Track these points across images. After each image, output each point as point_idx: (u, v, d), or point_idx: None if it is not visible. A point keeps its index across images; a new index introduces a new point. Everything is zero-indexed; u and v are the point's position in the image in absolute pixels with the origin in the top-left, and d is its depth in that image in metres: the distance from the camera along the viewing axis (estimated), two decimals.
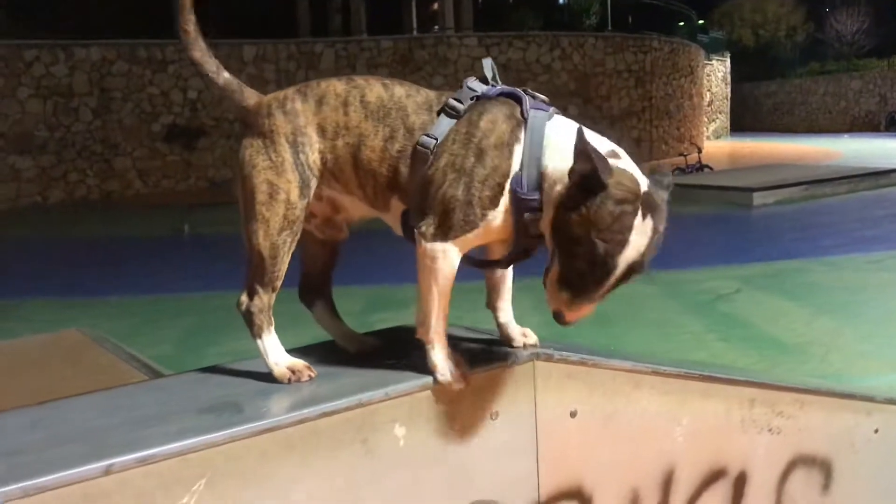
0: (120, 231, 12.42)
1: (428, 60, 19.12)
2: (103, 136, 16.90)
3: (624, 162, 1.28)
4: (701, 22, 36.82)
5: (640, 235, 1.21)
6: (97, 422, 1.26)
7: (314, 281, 1.56)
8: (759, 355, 5.06)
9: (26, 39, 16.44)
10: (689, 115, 24.95)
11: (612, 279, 1.22)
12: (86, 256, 10.00)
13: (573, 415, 1.48)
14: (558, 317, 1.27)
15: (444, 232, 1.32)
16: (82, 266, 9.21)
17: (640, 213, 1.21)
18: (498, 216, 1.32)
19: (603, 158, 1.22)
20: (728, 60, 36.24)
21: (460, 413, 1.36)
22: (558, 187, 1.26)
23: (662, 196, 1.27)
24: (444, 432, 1.35)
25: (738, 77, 38.65)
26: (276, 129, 1.40)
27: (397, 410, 1.30)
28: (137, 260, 9.59)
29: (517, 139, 1.31)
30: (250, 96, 1.46)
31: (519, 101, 1.35)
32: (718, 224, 11.20)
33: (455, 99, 1.37)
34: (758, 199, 11.87)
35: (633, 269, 1.23)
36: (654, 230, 1.23)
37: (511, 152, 1.30)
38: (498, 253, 1.43)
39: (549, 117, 1.34)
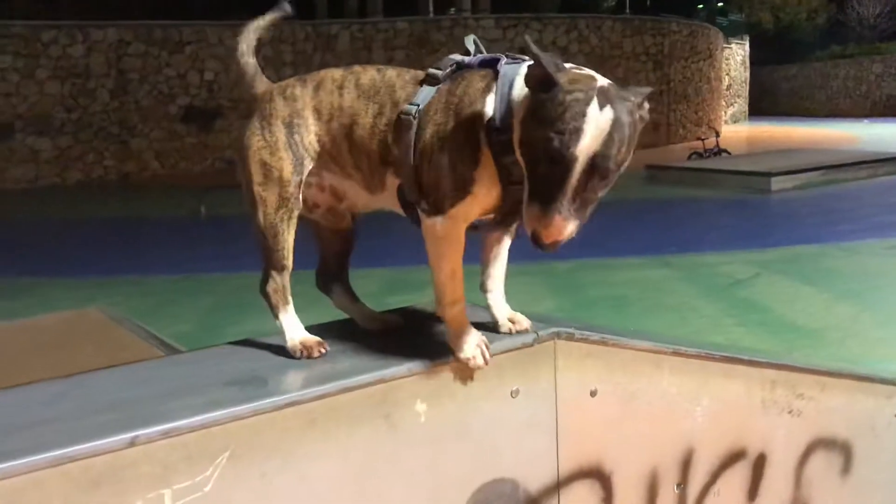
0: (137, 212, 12.49)
1: (444, 42, 19.04)
2: (120, 117, 16.98)
3: (587, 71, 1.25)
4: (720, 4, 36.46)
5: (597, 124, 1.15)
6: (122, 395, 1.27)
7: (330, 267, 1.60)
8: (776, 340, 5.04)
9: (44, 20, 16.49)
10: (707, 98, 24.73)
11: (574, 176, 1.15)
12: (104, 237, 10.08)
13: (593, 394, 1.48)
14: (536, 240, 1.20)
15: (440, 203, 1.32)
16: (101, 246, 9.28)
17: (594, 102, 1.16)
18: (483, 175, 1.30)
19: (554, 60, 1.20)
20: (747, 44, 35.85)
21: (481, 390, 1.37)
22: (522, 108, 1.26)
23: (627, 95, 1.20)
24: (466, 409, 1.35)
25: (758, 60, 38.24)
26: (275, 112, 1.47)
27: (419, 387, 1.31)
28: (155, 240, 9.66)
29: (490, 90, 1.31)
30: (261, 84, 1.53)
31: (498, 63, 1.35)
32: (736, 209, 11.13)
33: (436, 68, 1.39)
34: (776, 183, 11.78)
35: (598, 165, 1.15)
36: (615, 121, 1.16)
37: (484, 104, 1.30)
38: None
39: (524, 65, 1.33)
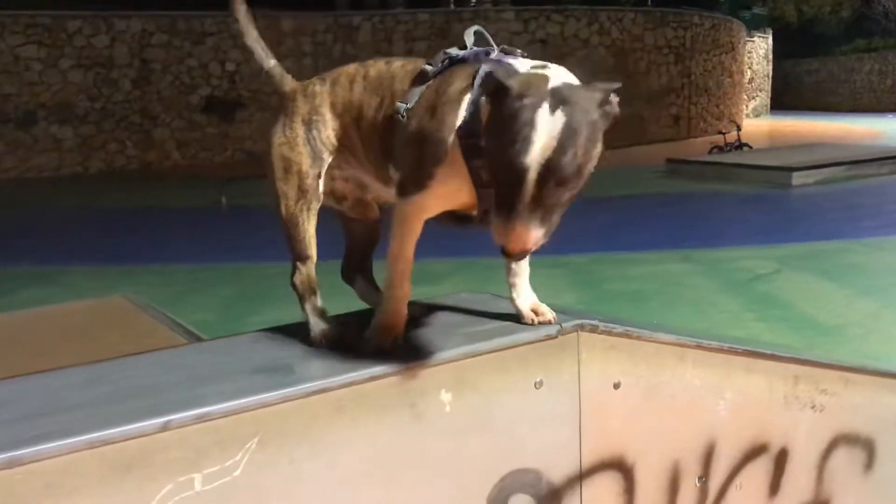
0: (159, 201, 12.59)
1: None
2: (142, 106, 17.10)
3: (548, 70, 1.22)
4: None
5: (548, 131, 1.11)
6: (153, 380, 1.30)
7: (354, 259, 1.64)
8: (797, 336, 5.01)
9: (69, 10, 16.62)
10: (728, 92, 24.53)
11: (529, 185, 1.12)
12: (127, 225, 10.17)
13: (616, 386, 1.49)
14: (502, 248, 1.19)
15: (405, 189, 1.35)
16: (124, 235, 9.37)
17: (545, 107, 1.12)
18: (449, 174, 1.30)
19: (505, 65, 1.20)
20: (770, 37, 35.48)
21: (505, 381, 1.38)
22: None
23: (587, 95, 1.15)
24: (490, 400, 1.37)
25: (780, 54, 37.83)
26: (296, 110, 1.51)
27: (444, 376, 1.32)
28: (177, 229, 9.74)
29: (468, 90, 1.30)
30: (287, 83, 1.56)
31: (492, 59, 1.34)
32: (757, 203, 11.05)
33: (428, 64, 1.40)
34: (797, 178, 11.68)
35: (553, 172, 1.11)
36: (567, 125, 1.11)
37: (460, 104, 1.30)
38: None
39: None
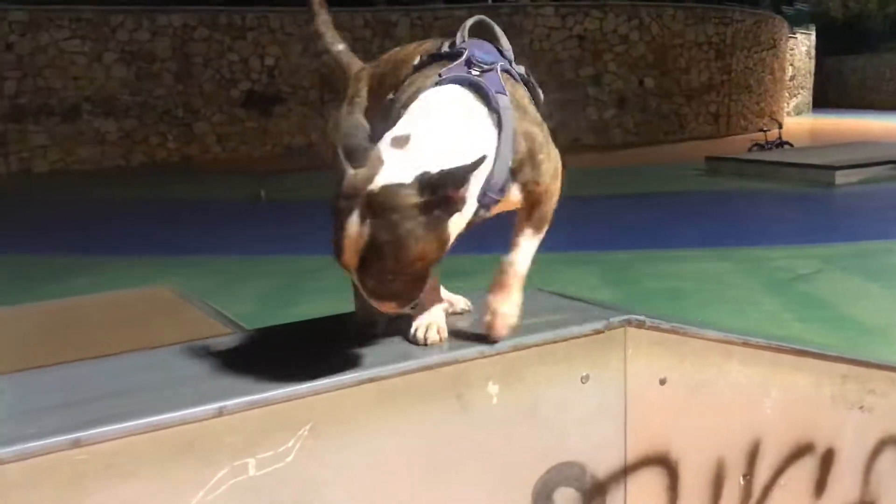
0: (200, 194, 12.76)
1: (503, 30, 18.94)
2: (184, 100, 17.31)
3: (404, 152, 1.12)
4: None
5: (355, 238, 1.09)
6: (204, 367, 1.32)
7: None
8: (839, 336, 4.93)
9: (112, 6, 16.89)
10: (770, 89, 24.15)
11: (354, 276, 1.14)
12: (168, 217, 10.32)
13: (662, 382, 1.49)
14: None
15: None
16: (165, 226, 9.52)
17: (355, 215, 1.09)
18: None
19: (355, 142, 1.13)
20: (813, 34, 34.84)
21: (552, 374, 1.39)
22: None
23: (404, 203, 1.08)
24: (536, 393, 1.37)
25: (824, 51, 37.10)
26: (348, 92, 1.55)
27: (490, 369, 1.33)
28: (217, 222, 9.86)
29: None
30: (354, 66, 1.60)
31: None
32: (799, 203, 10.87)
33: (437, 50, 1.37)
34: (840, 177, 11.45)
35: (368, 273, 1.12)
36: (373, 240, 1.08)
37: None
38: None
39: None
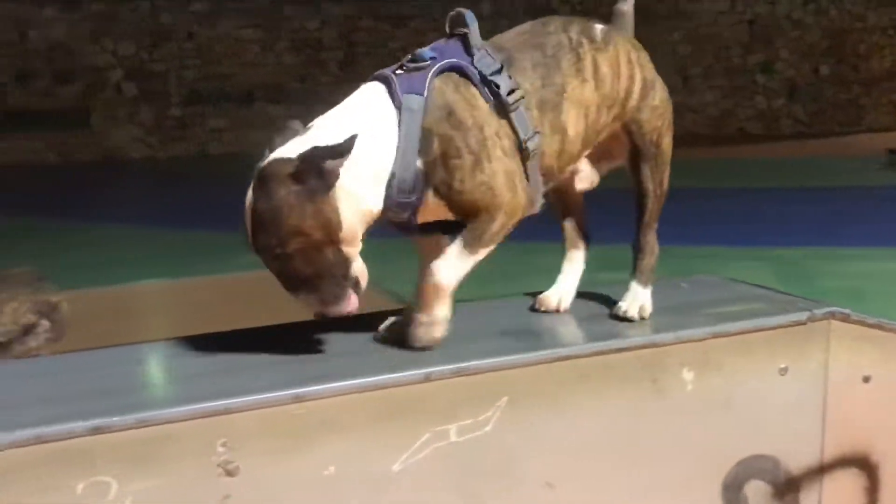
0: None
1: (667, 16, 18.36)
2: (348, 88, 17.94)
3: (303, 137, 1.23)
4: None
5: (247, 213, 1.19)
6: None
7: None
8: None
9: None
10: None
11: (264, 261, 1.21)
12: None
13: (866, 380, 1.42)
14: None
15: None
16: None
17: (250, 188, 1.19)
18: None
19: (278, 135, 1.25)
20: None
21: (749, 364, 1.35)
22: None
23: (279, 171, 1.17)
24: (732, 382, 1.35)
25: None
26: None
27: (686, 355, 1.32)
28: None
29: None
30: None
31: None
32: None
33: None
34: None
35: (258, 249, 1.20)
36: (250, 208, 1.18)
37: None
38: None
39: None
